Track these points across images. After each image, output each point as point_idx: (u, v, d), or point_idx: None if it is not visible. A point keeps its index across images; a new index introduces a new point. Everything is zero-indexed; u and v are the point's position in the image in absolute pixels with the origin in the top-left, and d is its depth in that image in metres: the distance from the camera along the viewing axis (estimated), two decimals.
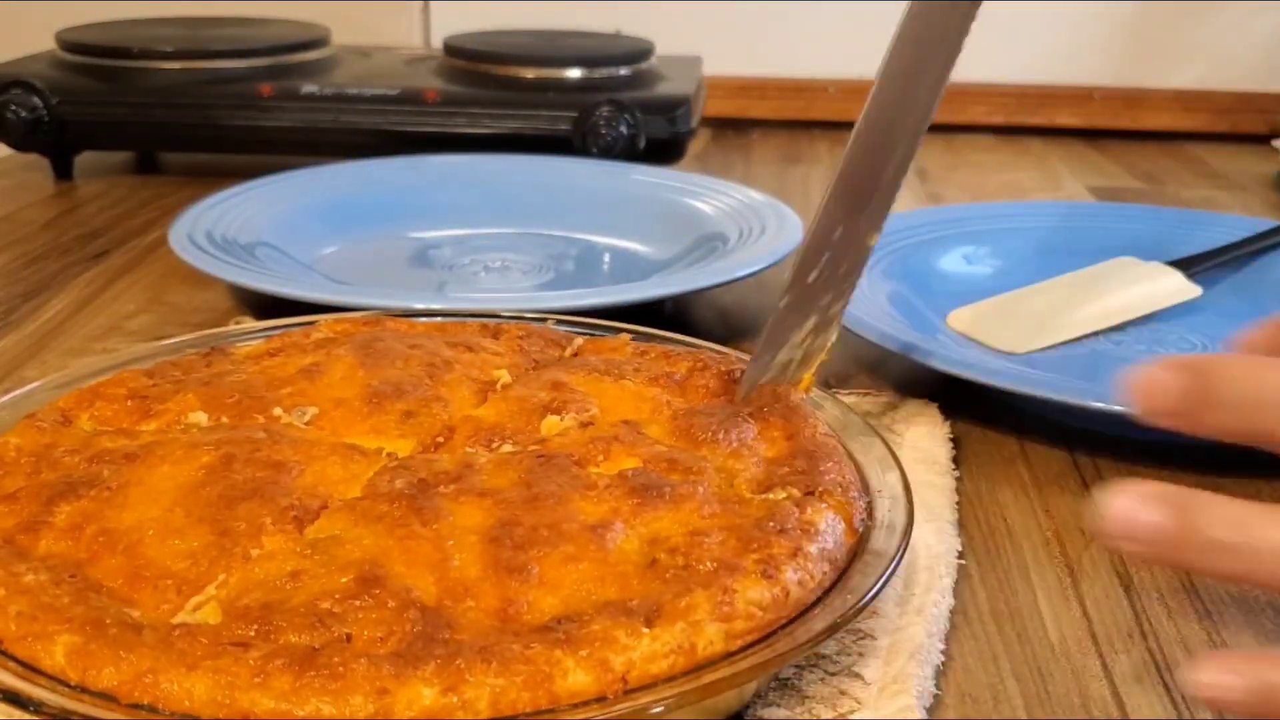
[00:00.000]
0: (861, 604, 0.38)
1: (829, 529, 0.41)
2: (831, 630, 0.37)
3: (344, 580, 0.37)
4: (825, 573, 0.40)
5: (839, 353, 0.68)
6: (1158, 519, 0.33)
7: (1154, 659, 0.43)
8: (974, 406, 0.60)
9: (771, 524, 0.40)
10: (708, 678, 0.35)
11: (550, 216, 0.87)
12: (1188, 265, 0.74)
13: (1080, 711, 0.40)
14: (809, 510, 0.41)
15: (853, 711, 0.38)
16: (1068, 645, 0.43)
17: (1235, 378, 0.34)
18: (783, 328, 0.50)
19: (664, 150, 0.97)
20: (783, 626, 0.38)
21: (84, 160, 1.04)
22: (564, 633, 0.35)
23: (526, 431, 0.47)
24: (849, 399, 0.59)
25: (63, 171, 1.02)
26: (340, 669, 0.33)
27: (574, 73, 1.01)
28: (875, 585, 0.39)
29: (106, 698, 0.34)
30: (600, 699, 0.34)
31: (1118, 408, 0.54)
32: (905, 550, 0.41)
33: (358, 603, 0.36)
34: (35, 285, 0.78)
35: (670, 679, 0.35)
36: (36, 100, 0.96)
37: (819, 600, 0.39)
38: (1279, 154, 1.19)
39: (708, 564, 0.38)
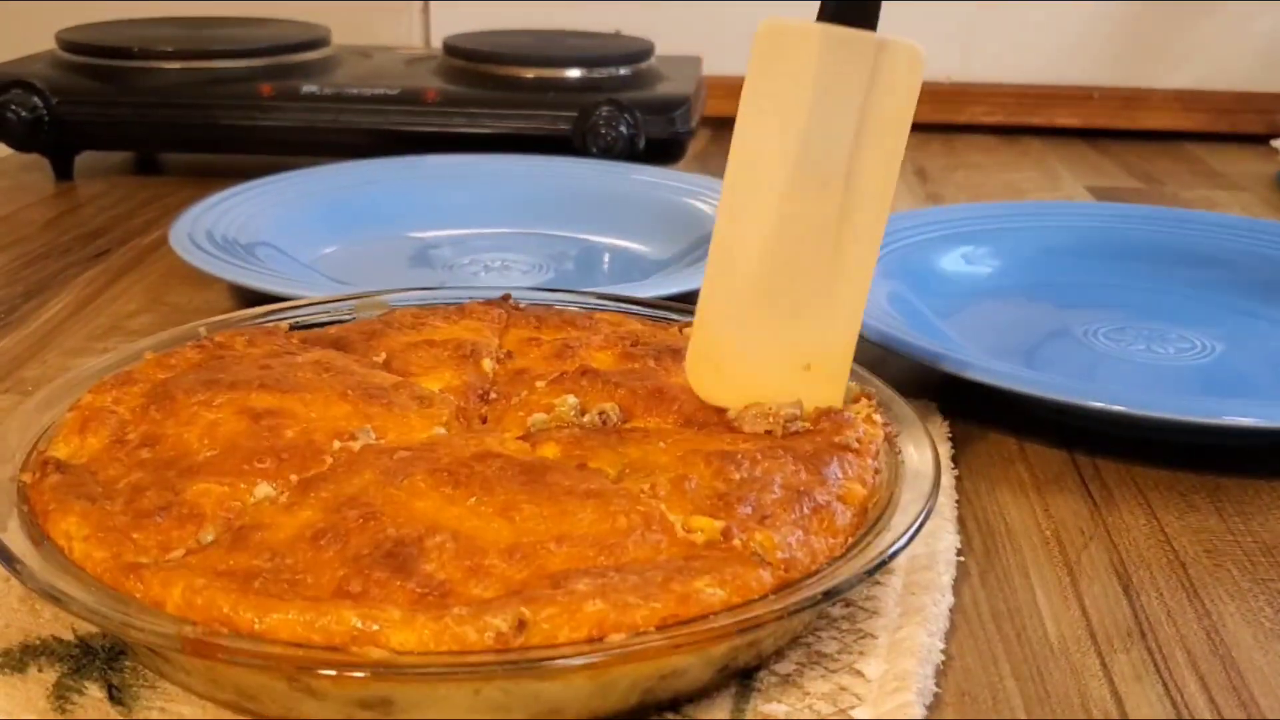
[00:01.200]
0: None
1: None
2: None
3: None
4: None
5: None
6: None
7: (1153, 658, 0.43)
8: (973, 406, 0.60)
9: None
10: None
11: (550, 216, 0.87)
12: None
13: (1079, 711, 0.40)
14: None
15: (853, 707, 0.38)
16: (1067, 644, 0.43)
17: None
18: None
19: (664, 150, 0.97)
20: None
21: (84, 160, 1.04)
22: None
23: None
24: None
25: (63, 171, 1.02)
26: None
27: (574, 73, 1.01)
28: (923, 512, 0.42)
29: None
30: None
31: (1118, 407, 0.54)
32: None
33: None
34: (36, 285, 0.78)
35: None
36: (36, 100, 0.96)
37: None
38: (1279, 154, 1.19)
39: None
